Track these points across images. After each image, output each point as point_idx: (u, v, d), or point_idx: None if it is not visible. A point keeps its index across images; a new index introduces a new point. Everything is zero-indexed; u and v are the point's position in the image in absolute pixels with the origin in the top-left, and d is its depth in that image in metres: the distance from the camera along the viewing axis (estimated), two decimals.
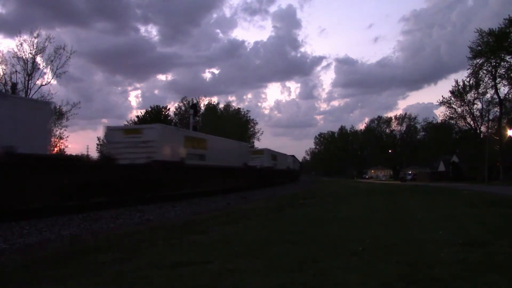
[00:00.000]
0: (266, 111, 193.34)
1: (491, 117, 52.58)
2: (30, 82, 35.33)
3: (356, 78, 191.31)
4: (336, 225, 7.98)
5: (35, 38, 35.52)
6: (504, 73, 46.00)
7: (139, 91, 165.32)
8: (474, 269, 4.25)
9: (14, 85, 33.54)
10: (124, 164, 14.62)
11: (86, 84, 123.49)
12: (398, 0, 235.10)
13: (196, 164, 18.77)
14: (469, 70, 48.31)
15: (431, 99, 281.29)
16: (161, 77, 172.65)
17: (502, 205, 12.75)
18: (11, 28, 71.45)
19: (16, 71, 34.75)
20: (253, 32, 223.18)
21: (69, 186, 11.60)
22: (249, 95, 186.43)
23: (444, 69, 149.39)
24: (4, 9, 76.31)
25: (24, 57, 34.97)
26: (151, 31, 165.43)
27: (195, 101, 70.76)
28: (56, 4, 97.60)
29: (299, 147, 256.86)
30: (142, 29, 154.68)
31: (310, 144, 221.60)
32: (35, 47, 35.52)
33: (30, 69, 35.32)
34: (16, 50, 35.12)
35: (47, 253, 5.83)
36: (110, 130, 17.12)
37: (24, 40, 35.06)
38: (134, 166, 14.82)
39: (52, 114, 14.07)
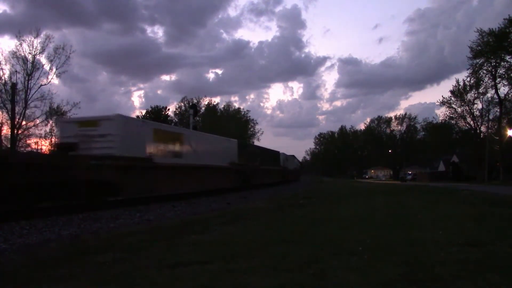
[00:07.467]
0: (268, 111, 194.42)
1: (491, 117, 52.63)
2: (30, 82, 35.33)
3: (360, 79, 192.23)
4: (336, 225, 7.97)
5: (34, 38, 35.58)
6: (504, 73, 46.08)
7: (142, 91, 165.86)
8: (474, 269, 4.25)
9: (13, 85, 33.57)
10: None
11: (91, 84, 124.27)
12: (404, 0, 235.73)
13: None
14: (469, 70, 48.39)
15: (433, 99, 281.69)
16: (165, 77, 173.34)
17: (502, 205, 12.75)
18: (19, 29, 71.91)
19: (16, 71, 34.76)
20: (258, 32, 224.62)
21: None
22: (252, 95, 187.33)
23: (447, 70, 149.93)
24: (12, 11, 76.88)
25: (24, 56, 34.98)
26: (157, 32, 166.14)
27: (195, 101, 70.75)
28: (64, 5, 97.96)
29: (300, 147, 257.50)
30: (149, 30, 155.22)
31: (311, 144, 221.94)
32: (35, 47, 35.56)
33: (30, 69, 35.34)
34: (16, 49, 35.20)
35: (47, 253, 5.83)
36: None
37: (24, 40, 35.10)
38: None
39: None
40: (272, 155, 38.72)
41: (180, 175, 16.60)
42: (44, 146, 35.90)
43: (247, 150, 29.07)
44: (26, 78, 35.05)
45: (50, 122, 36.83)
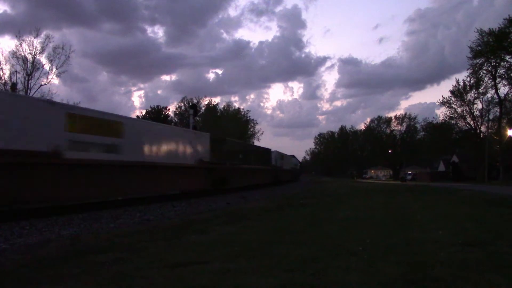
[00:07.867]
0: (269, 111, 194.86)
1: (491, 117, 52.68)
2: (30, 82, 35.39)
3: (360, 79, 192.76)
4: (336, 225, 7.98)
5: (34, 38, 35.62)
6: (504, 73, 46.11)
7: (142, 91, 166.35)
8: (474, 269, 4.25)
9: (14, 85, 33.61)
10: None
11: (91, 84, 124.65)
12: (404, 0, 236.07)
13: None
14: (469, 70, 48.42)
15: (433, 99, 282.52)
16: (165, 77, 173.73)
17: (502, 205, 12.77)
18: (19, 29, 71.98)
19: (16, 71, 34.82)
20: (258, 32, 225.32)
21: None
22: (252, 95, 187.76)
23: (447, 70, 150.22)
24: (13, 11, 77.21)
25: (24, 56, 35.02)
26: (157, 32, 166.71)
27: (195, 101, 70.81)
28: (64, 5, 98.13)
29: (300, 147, 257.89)
30: (149, 30, 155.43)
31: (311, 144, 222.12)
32: (34, 47, 35.62)
33: (30, 69, 35.39)
34: (16, 49, 35.26)
35: (47, 253, 5.83)
36: None
37: (24, 40, 35.16)
38: None
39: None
40: (261, 153, 35.28)
41: (113, 176, 13.28)
42: None
43: (225, 147, 25.29)
44: (26, 78, 35.15)
45: None
